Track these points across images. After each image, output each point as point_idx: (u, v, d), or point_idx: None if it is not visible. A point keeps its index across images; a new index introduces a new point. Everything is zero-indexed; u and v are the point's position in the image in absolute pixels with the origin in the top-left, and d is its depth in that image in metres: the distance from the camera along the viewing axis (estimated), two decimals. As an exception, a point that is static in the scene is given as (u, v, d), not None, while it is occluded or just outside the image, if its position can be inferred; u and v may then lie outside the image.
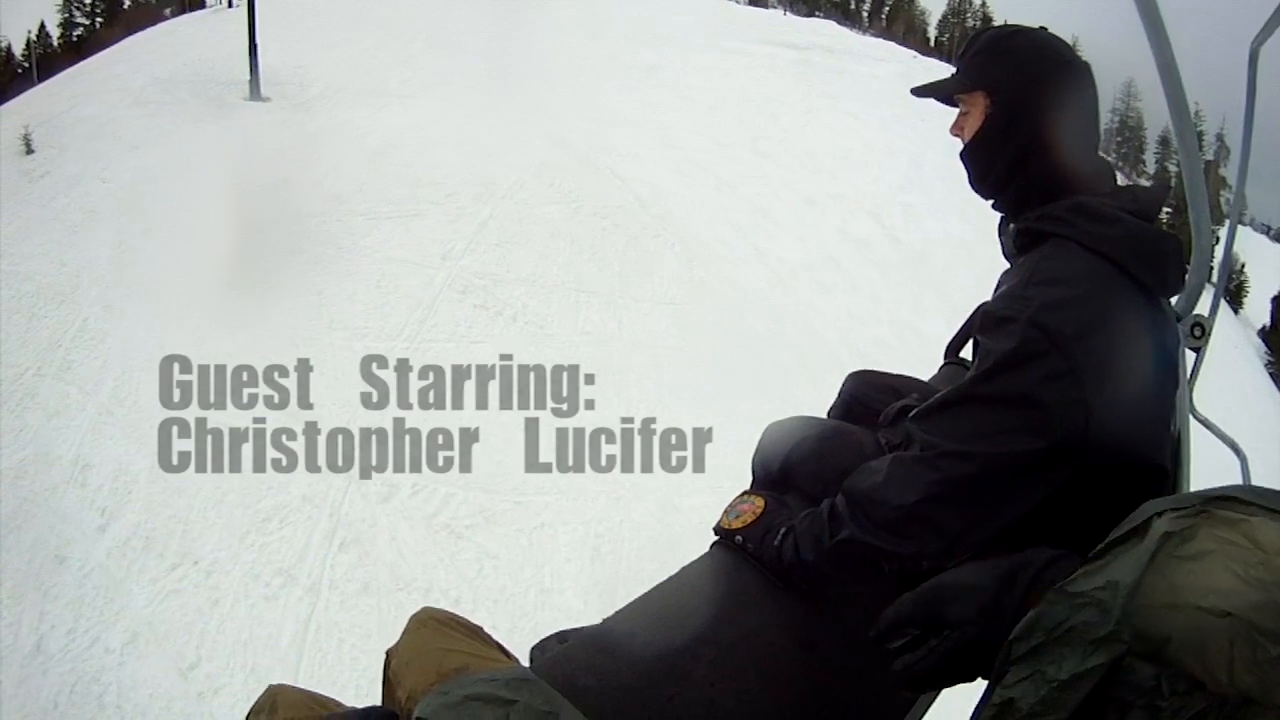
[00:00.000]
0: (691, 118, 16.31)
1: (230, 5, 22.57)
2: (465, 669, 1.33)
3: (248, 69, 15.33)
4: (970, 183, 1.46)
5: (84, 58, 18.91)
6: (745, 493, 1.57)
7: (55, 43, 27.81)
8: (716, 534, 1.51)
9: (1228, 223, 1.94)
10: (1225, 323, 21.54)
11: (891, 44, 32.18)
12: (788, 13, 33.12)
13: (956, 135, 1.45)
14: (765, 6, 34.98)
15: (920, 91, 1.52)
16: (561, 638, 1.55)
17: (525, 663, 1.50)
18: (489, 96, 14.53)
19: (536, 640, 1.58)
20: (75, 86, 15.45)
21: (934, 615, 0.97)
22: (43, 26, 27.78)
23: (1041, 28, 1.44)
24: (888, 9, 38.75)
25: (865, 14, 38.15)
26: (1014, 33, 1.43)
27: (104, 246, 9.76)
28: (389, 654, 1.49)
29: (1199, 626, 0.73)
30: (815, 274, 12.15)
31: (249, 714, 1.36)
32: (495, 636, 1.55)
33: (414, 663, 1.41)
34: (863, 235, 14.00)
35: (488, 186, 11.95)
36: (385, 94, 15.26)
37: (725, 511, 1.52)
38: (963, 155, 1.45)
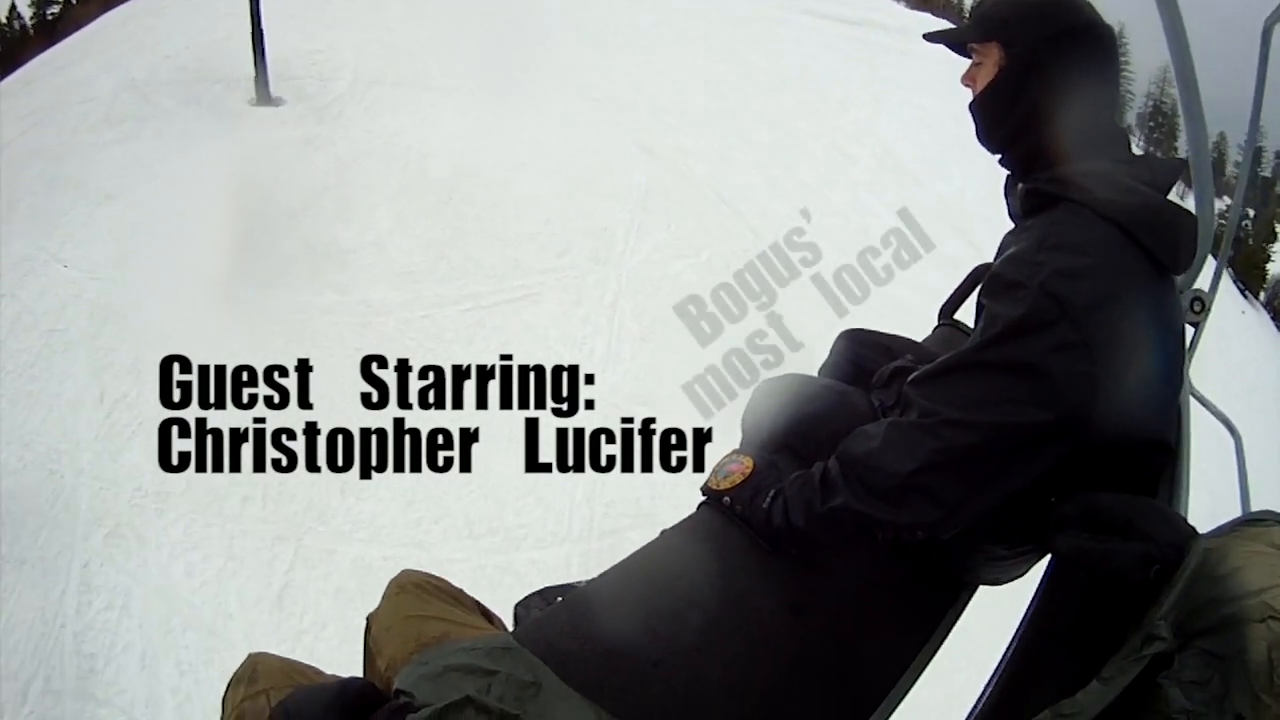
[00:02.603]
0: (759, 104, 15.60)
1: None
2: (445, 637, 1.43)
3: (252, 61, 12.46)
4: (977, 136, 1.54)
5: (55, 42, 16.26)
6: (734, 452, 1.64)
7: (29, 22, 26.48)
8: (704, 494, 1.58)
9: (1234, 196, 2.15)
10: (1265, 339, 21.06)
11: (945, 22, 31.85)
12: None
13: (967, 86, 1.52)
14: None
15: (932, 37, 1.60)
16: (545, 596, 1.68)
17: (510, 619, 1.64)
18: (548, 82, 13.13)
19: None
20: (31, 98, 12.49)
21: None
22: (13, 7, 26.48)
23: None
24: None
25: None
26: None
27: (82, 406, 6.96)
28: (369, 620, 1.59)
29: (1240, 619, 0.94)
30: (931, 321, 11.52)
31: (229, 683, 1.47)
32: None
33: (393, 630, 1.51)
34: (954, 256, 13.30)
35: (601, 236, 10.12)
36: (428, 87, 13.06)
37: (713, 471, 1.59)
38: (972, 107, 1.52)
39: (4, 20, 26.40)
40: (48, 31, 23.09)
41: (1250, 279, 28.71)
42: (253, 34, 12.48)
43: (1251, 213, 34.12)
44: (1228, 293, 19.12)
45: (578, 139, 11.90)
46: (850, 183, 13.63)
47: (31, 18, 27.06)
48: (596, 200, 10.72)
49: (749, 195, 12.07)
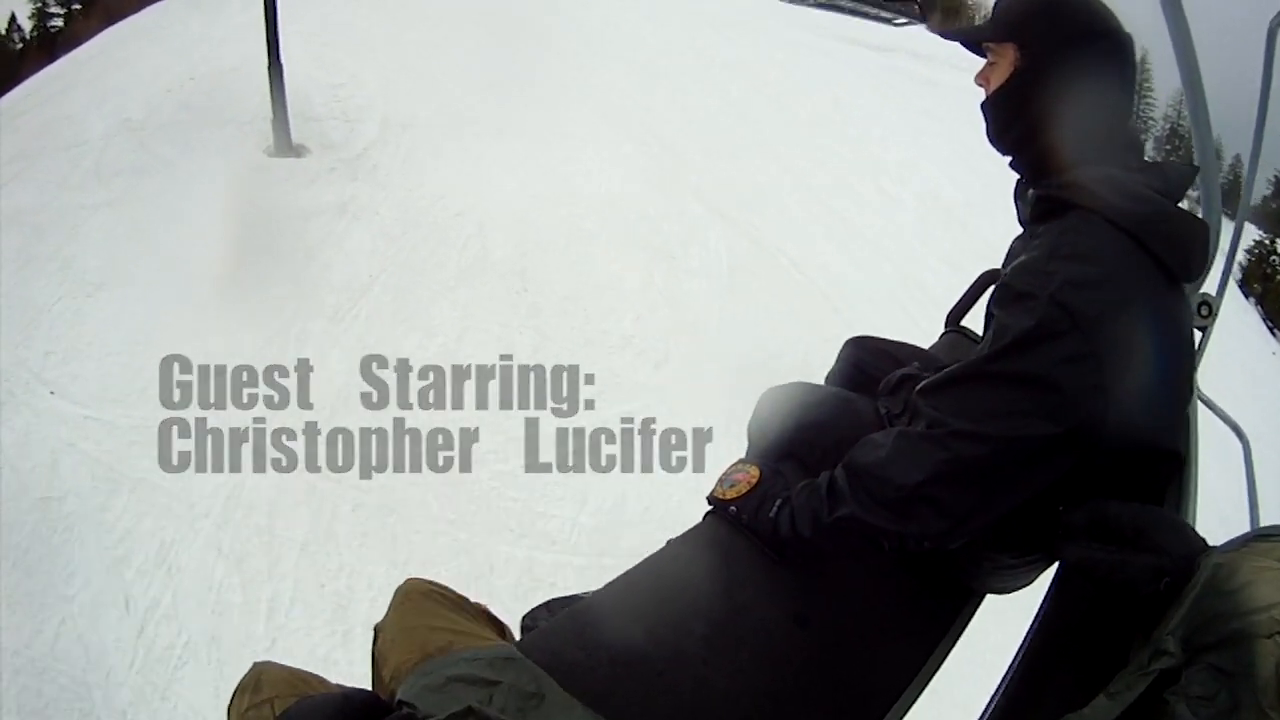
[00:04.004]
0: (800, 141, 15.15)
1: (227, -16, 17.95)
2: (450, 647, 1.47)
3: (268, 96, 10.54)
4: (988, 136, 1.57)
5: (55, 58, 14.95)
6: (740, 461, 1.69)
7: (29, 35, 26.63)
8: (710, 504, 1.63)
9: (1242, 197, 2.24)
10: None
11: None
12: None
13: (981, 85, 1.56)
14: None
15: (948, 34, 1.64)
16: (552, 608, 1.74)
17: (517, 629, 1.66)
18: (590, 116, 12.40)
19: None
20: (13, 138, 10.73)
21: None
22: (13, 19, 26.81)
23: None
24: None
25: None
26: None
27: (104, 616, 5.39)
28: (376, 630, 1.64)
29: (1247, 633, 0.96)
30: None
31: (234, 692, 1.52)
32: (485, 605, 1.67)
33: (398, 640, 1.56)
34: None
35: (696, 333, 8.87)
36: (468, 129, 11.61)
37: (719, 480, 1.64)
38: (984, 106, 1.56)
39: (3, 32, 26.34)
40: (48, 45, 22.65)
41: (1280, 317, 28.15)
42: (270, 68, 10.48)
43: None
44: (1258, 333, 19.10)
45: (640, 195, 10.88)
46: (899, 230, 13.25)
47: (32, 30, 26.88)
48: (681, 280, 9.63)
49: (817, 257, 11.45)
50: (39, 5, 27.72)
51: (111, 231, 8.62)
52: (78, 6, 27.17)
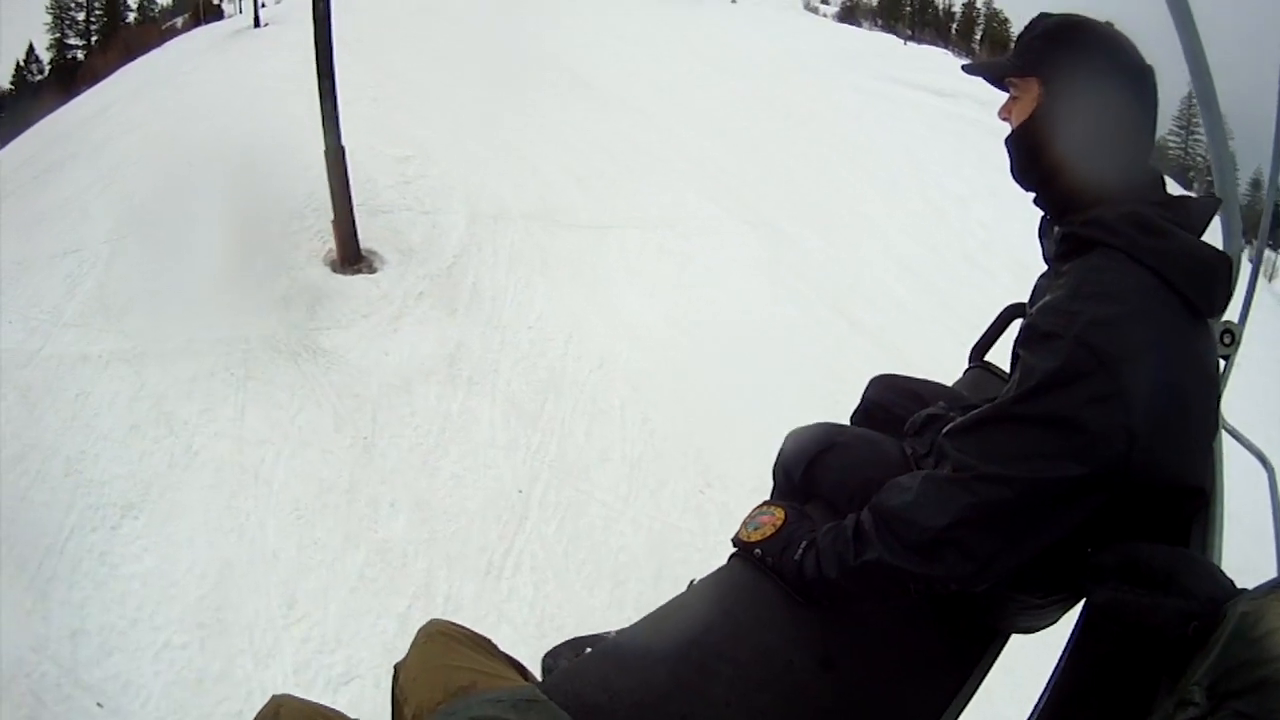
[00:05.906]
0: (879, 197, 14.50)
1: (257, 24, 18.47)
2: (473, 687, 1.46)
3: (321, 179, 7.73)
4: (1011, 172, 1.55)
5: (72, 95, 13.28)
6: (765, 503, 1.69)
7: (47, 67, 26.32)
8: (735, 546, 1.63)
9: (1261, 224, 2.43)
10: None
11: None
12: (907, 42, 36.13)
13: (1004, 119, 1.54)
14: (856, 24, 39.77)
15: (971, 69, 1.62)
16: (575, 647, 1.77)
17: (538, 668, 1.66)
18: (689, 193, 11.02)
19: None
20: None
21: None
22: (31, 50, 26.41)
23: (1108, 23, 1.49)
24: (980, 32, 43.17)
25: (955, 30, 43.31)
26: (1079, 23, 1.49)
27: None
28: (397, 669, 1.61)
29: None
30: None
31: None
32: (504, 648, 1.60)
33: (421, 679, 1.53)
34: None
35: None
36: (567, 219, 9.51)
37: (744, 523, 1.65)
38: (1008, 142, 1.54)
39: (23, 63, 25.72)
40: (67, 78, 21.94)
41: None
42: (327, 152, 7.56)
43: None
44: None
45: (781, 313, 8.93)
46: (995, 305, 11.92)
47: (51, 61, 26.26)
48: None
49: (944, 356, 9.14)
50: (57, 36, 27.39)
51: (131, 409, 5.88)
52: (96, 38, 27.02)
